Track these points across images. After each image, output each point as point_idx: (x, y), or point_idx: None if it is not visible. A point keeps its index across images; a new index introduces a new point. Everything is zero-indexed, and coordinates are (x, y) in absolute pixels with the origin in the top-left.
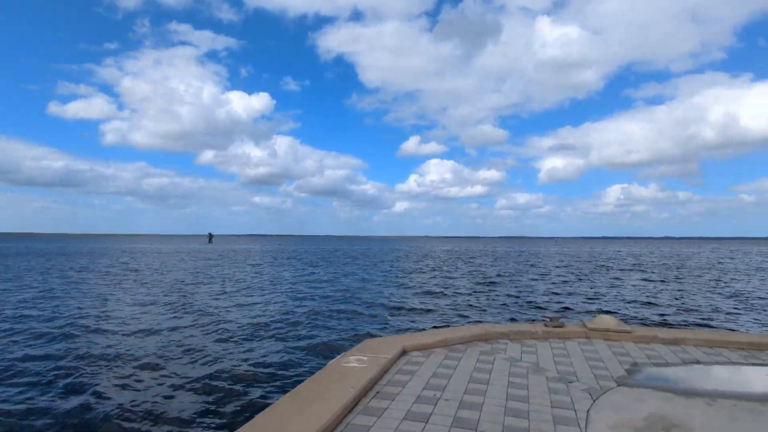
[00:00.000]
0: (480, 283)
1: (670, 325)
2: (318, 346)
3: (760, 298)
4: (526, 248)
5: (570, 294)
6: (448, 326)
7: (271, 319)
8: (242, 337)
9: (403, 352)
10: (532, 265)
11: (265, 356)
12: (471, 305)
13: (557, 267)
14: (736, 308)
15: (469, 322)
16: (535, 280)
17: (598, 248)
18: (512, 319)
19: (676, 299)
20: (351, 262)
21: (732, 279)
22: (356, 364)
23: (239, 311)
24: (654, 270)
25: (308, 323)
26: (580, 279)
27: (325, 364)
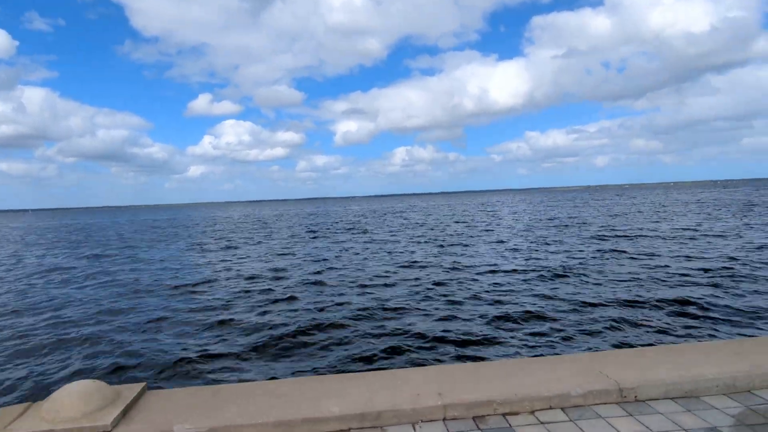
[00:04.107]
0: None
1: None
2: None
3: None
4: (321, 208)
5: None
6: None
7: None
8: None
9: None
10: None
11: None
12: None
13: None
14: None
15: None
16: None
17: (386, 204)
18: None
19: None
20: (82, 243)
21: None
22: None
23: None
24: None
25: None
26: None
27: None
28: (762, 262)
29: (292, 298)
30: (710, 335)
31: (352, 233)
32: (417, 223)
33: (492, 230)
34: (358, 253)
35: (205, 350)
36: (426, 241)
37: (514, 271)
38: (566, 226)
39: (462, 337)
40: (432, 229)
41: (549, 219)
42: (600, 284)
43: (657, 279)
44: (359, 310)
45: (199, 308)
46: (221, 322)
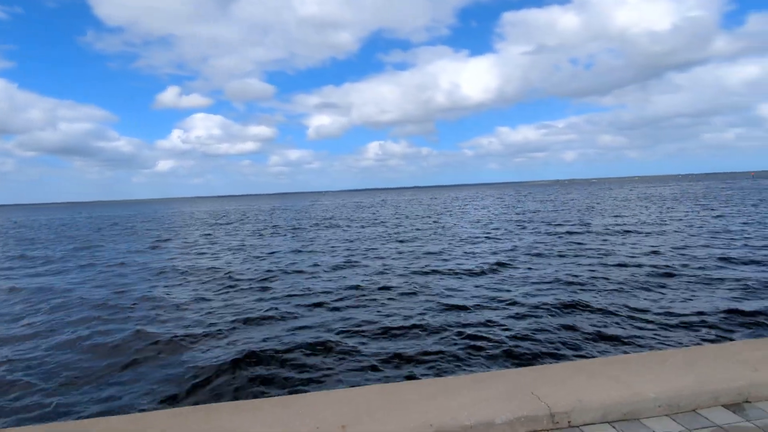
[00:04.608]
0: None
1: None
2: None
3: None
4: (287, 204)
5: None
6: None
7: None
8: None
9: None
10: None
11: None
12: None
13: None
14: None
15: None
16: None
17: (360, 199)
18: None
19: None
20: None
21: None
22: None
23: None
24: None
25: None
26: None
27: None
28: (719, 259)
29: (182, 308)
30: (660, 343)
31: (301, 231)
32: (376, 219)
33: (446, 225)
34: (299, 251)
35: (61, 375)
36: (369, 239)
37: (452, 272)
38: (529, 221)
39: (378, 350)
40: (388, 224)
41: (508, 213)
42: (543, 285)
43: (607, 278)
44: (263, 318)
45: (76, 321)
46: (88, 337)
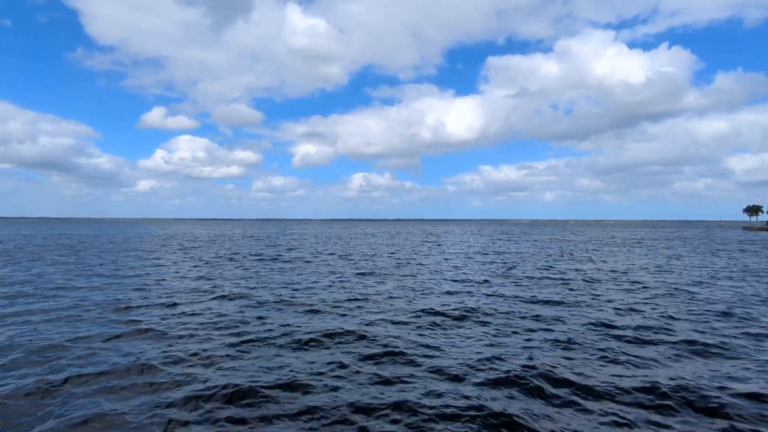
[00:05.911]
0: None
1: None
2: None
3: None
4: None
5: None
6: None
7: None
8: None
9: None
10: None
11: None
12: None
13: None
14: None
15: None
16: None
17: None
18: None
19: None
20: None
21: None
22: None
23: None
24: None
25: None
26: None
27: None
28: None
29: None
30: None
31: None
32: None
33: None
34: (236, 272)
35: None
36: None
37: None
38: (496, 263)
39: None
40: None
41: (477, 252)
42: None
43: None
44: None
45: None
46: None
